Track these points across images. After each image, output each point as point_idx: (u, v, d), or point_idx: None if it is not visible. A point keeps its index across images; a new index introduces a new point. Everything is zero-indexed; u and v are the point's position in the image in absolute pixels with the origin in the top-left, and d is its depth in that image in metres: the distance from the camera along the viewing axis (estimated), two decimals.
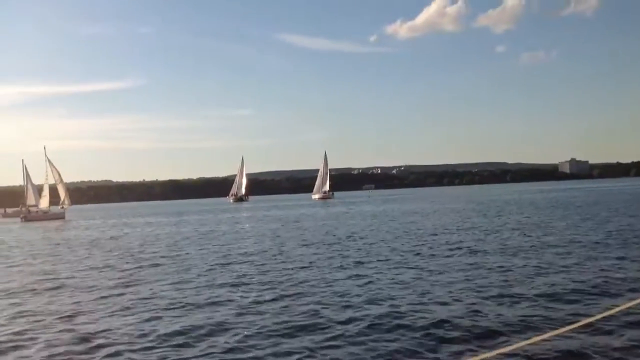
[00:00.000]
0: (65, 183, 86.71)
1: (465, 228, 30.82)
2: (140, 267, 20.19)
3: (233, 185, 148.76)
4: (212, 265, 19.57)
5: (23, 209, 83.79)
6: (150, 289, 15.09)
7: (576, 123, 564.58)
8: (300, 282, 15.22)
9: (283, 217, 54.72)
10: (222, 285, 15.24)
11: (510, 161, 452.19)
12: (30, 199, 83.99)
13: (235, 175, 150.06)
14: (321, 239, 28.57)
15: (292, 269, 17.91)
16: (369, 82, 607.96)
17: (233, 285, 15.22)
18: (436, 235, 27.38)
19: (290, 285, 14.81)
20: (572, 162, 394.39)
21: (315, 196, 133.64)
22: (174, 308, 12.46)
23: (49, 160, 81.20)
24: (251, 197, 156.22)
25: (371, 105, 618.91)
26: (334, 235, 29.81)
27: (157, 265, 20.52)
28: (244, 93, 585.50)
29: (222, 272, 17.94)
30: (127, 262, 21.85)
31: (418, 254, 20.29)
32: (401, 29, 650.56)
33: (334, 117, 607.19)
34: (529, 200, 68.43)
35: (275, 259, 20.69)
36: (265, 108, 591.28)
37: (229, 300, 13.10)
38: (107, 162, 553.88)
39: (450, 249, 21.15)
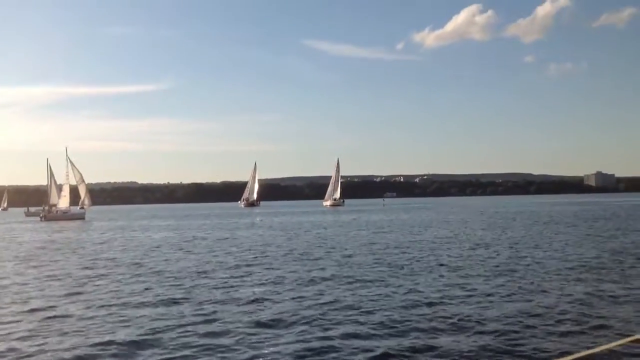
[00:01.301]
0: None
1: (443, 242, 30.35)
2: (95, 276, 19.73)
3: (245, 190, 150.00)
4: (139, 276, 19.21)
5: (46, 208, 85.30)
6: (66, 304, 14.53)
7: (603, 136, 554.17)
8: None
9: (280, 225, 55.16)
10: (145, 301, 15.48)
11: (535, 172, 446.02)
12: (54, 199, 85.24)
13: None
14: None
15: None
16: (394, 90, 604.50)
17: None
18: (395, 249, 26.72)
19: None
20: (598, 175, 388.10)
21: (326, 203, 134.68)
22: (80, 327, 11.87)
23: (71, 161, 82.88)
24: (264, 203, 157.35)
25: (396, 113, 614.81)
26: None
27: (105, 275, 19.90)
28: (270, 98, 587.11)
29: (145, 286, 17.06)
30: (86, 270, 21.59)
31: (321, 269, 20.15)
32: (429, 37, 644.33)
33: (358, 123, 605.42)
34: (544, 214, 67.93)
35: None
36: (291, 113, 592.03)
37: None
38: (133, 164, 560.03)
39: (373, 266, 20.59)
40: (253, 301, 13.98)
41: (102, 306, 13.86)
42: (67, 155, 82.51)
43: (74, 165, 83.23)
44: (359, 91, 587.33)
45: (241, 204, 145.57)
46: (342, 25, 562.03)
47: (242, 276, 18.56)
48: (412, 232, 39.24)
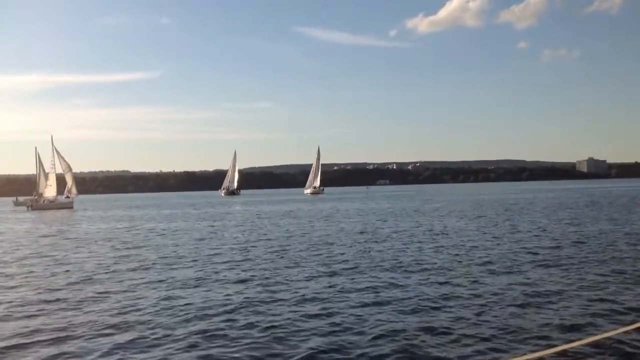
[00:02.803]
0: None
1: (393, 233, 28.58)
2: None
3: (225, 179, 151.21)
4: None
5: (35, 197, 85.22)
6: None
7: (595, 122, 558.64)
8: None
9: (252, 213, 55.57)
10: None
11: (528, 159, 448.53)
12: (42, 188, 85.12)
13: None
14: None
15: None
16: (387, 77, 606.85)
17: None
18: (326, 244, 24.23)
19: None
20: (590, 161, 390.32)
21: (307, 191, 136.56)
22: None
23: (57, 150, 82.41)
24: (248, 191, 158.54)
25: (389, 100, 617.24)
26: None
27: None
28: (264, 86, 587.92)
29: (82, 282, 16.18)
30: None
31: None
32: (422, 24, 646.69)
33: (351, 111, 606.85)
34: (523, 201, 68.58)
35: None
36: (284, 101, 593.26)
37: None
38: (126, 152, 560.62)
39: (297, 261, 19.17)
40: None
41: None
42: (52, 144, 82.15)
43: (60, 154, 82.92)
44: (352, 78, 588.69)
45: (221, 192, 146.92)
46: (335, 12, 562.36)
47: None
48: (363, 222, 37.50)
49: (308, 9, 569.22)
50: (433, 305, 11.75)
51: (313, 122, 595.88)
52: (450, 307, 11.55)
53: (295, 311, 11.60)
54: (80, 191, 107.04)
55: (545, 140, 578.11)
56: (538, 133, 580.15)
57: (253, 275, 16.15)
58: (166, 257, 21.18)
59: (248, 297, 13.03)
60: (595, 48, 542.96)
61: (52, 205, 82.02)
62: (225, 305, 12.25)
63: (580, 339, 8.71)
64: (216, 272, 17.00)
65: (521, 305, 11.42)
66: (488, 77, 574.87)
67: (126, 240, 29.27)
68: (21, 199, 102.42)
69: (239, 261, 19.41)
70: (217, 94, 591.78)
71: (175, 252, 22.85)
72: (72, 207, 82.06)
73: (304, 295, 13.09)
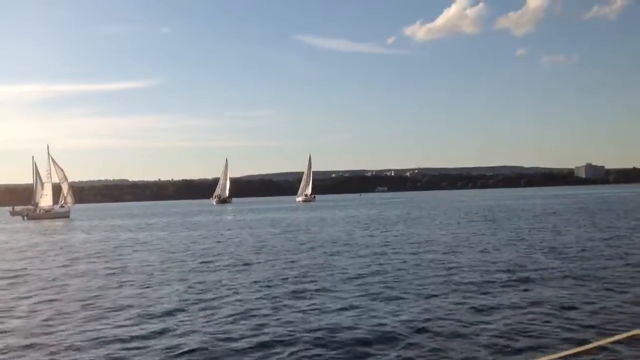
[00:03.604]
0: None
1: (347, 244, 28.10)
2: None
3: (217, 187, 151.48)
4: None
5: (32, 207, 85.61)
6: None
7: (593, 128, 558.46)
8: None
9: (233, 222, 56.06)
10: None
11: (526, 165, 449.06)
12: (39, 197, 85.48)
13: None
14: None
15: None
16: (385, 84, 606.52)
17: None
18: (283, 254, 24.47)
19: None
20: (588, 166, 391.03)
21: (299, 199, 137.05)
22: None
23: (53, 159, 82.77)
24: (237, 199, 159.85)
25: (387, 107, 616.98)
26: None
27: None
28: (263, 94, 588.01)
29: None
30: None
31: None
32: (420, 31, 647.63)
33: (350, 118, 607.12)
34: (515, 208, 69.23)
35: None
36: (284, 109, 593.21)
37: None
38: (125, 161, 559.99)
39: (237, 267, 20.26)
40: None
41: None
42: (48, 153, 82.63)
43: (57, 164, 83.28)
44: (350, 86, 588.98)
45: (213, 200, 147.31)
46: (334, 20, 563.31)
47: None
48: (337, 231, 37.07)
49: (307, 17, 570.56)
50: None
51: (312, 129, 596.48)
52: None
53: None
54: (79, 200, 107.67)
55: (544, 146, 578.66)
56: (536, 139, 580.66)
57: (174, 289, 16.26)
58: (116, 268, 21.46)
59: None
60: (594, 54, 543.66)
61: (48, 214, 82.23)
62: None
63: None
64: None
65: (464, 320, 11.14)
66: (486, 83, 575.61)
67: (90, 251, 29.19)
68: (18, 208, 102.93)
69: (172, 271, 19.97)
70: (217, 102, 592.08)
71: (125, 263, 23.14)
72: (68, 217, 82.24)
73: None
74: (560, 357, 7.80)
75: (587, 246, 22.93)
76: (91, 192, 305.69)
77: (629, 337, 8.69)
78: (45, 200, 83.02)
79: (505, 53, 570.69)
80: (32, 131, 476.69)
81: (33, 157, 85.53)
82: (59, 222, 69.85)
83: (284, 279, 17.18)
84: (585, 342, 8.94)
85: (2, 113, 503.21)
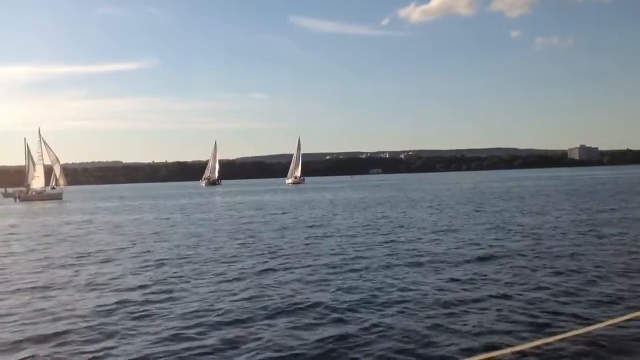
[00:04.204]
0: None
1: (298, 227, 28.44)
2: None
3: (206, 170, 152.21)
4: None
5: (24, 188, 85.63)
6: None
7: (587, 110, 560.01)
8: None
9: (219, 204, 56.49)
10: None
11: (520, 147, 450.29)
12: (30, 179, 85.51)
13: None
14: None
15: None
16: (380, 66, 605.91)
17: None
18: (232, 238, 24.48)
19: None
20: (582, 148, 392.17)
21: (289, 181, 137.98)
22: None
23: (44, 141, 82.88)
24: (227, 181, 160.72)
25: (382, 89, 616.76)
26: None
27: None
28: (256, 76, 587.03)
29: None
30: None
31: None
32: (414, 13, 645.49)
33: (345, 100, 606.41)
34: (497, 190, 69.68)
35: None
36: (277, 91, 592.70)
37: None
38: (119, 143, 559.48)
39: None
40: None
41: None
42: (40, 135, 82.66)
43: (48, 146, 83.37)
44: (344, 68, 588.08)
45: (202, 183, 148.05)
46: (326, 2, 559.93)
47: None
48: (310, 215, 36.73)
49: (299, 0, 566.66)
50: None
51: (305, 112, 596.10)
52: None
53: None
54: (72, 182, 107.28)
55: (538, 128, 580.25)
56: (531, 121, 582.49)
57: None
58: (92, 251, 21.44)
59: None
60: (589, 36, 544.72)
61: (41, 196, 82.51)
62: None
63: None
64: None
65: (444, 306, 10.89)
66: (481, 65, 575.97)
67: (61, 235, 28.92)
68: (10, 190, 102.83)
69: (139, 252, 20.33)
70: (209, 85, 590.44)
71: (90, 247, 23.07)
72: (60, 198, 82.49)
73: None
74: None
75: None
76: (85, 174, 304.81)
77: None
78: (37, 182, 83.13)
79: (500, 35, 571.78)
80: (25, 113, 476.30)
81: (25, 139, 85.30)
82: (49, 204, 69.88)
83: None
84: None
85: None
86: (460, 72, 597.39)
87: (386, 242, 20.63)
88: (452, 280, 13.23)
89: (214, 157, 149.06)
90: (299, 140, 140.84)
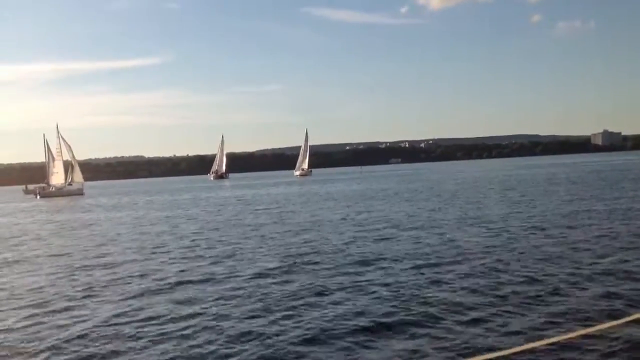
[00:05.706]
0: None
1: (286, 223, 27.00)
2: None
3: (214, 163, 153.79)
4: None
5: (44, 185, 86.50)
6: None
7: (610, 94, 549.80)
8: None
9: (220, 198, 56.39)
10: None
11: (542, 133, 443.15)
12: (50, 175, 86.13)
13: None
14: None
15: None
16: (399, 55, 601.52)
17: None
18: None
19: None
20: (605, 133, 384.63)
21: (297, 173, 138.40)
22: None
23: (62, 137, 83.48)
24: (233, 175, 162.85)
25: (401, 78, 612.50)
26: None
27: None
28: (274, 68, 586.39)
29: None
30: None
31: None
32: (433, 0, 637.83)
33: (363, 90, 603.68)
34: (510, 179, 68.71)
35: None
36: (295, 83, 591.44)
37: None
38: (140, 138, 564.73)
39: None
40: None
41: None
42: (58, 131, 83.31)
43: (66, 141, 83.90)
44: (363, 57, 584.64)
45: (210, 176, 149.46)
46: None
47: None
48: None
49: None
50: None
51: (324, 103, 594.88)
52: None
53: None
54: (94, 177, 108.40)
55: (560, 113, 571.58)
56: (553, 106, 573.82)
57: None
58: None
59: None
60: (610, 19, 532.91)
61: (61, 192, 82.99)
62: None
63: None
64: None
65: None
66: (502, 51, 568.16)
67: (62, 233, 28.68)
68: (31, 186, 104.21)
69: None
70: (228, 77, 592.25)
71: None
72: (82, 194, 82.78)
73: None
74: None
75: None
76: (107, 169, 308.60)
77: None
78: (56, 178, 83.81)
79: (520, 19, 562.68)
80: (46, 110, 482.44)
81: (44, 135, 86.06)
82: (67, 201, 70.10)
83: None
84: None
85: (14, 92, 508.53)
86: (481, 58, 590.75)
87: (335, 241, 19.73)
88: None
89: (221, 150, 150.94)
90: (306, 133, 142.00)
